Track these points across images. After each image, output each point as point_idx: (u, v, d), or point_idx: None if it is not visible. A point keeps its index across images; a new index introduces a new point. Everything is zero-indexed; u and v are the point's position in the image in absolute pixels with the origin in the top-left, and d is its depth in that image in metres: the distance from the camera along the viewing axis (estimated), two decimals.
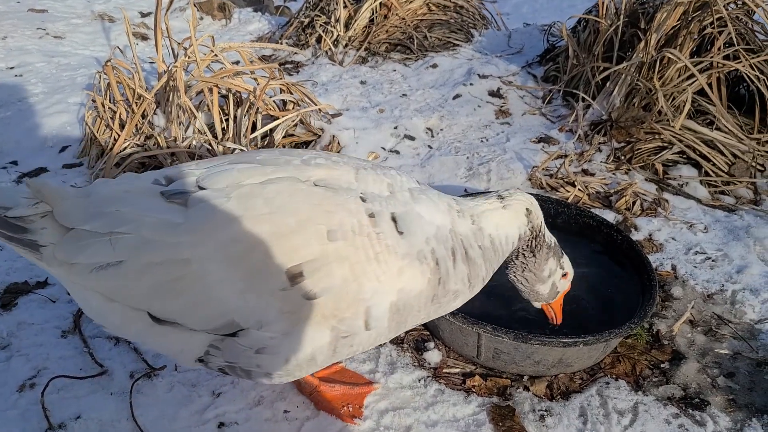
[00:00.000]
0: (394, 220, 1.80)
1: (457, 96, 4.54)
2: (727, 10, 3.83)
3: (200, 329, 1.72)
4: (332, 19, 5.54)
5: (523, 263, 2.17)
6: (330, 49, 5.43)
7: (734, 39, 3.72)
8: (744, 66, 3.68)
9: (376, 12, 5.53)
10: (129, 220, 1.69)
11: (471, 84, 4.65)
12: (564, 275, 2.27)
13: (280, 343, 1.71)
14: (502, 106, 4.46)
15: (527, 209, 2.07)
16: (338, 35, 5.48)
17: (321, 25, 5.59)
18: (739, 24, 3.93)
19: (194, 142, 3.46)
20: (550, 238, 2.19)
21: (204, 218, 1.69)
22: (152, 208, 1.72)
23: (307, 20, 5.79)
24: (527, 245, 2.12)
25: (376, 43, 5.41)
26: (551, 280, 2.24)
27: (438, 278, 1.85)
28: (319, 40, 5.57)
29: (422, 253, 1.81)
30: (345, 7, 5.52)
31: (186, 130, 3.55)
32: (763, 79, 3.68)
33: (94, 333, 2.51)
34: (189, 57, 3.57)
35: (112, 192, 1.77)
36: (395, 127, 4.13)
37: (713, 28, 3.77)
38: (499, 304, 2.63)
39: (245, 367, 1.78)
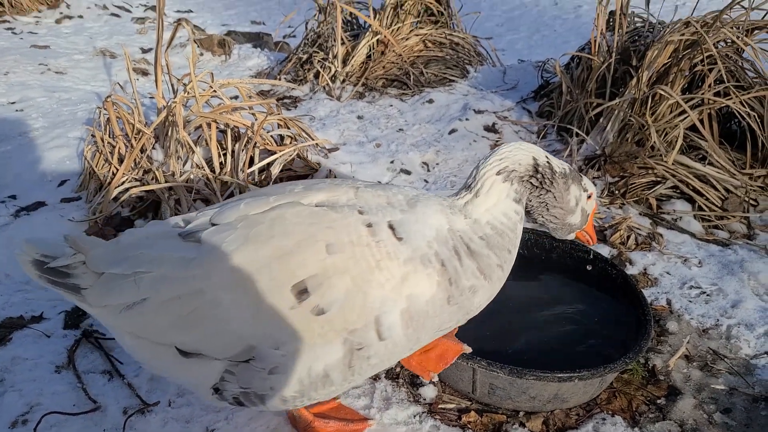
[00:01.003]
0: (391, 227, 1.83)
1: (452, 131, 4.60)
2: (716, 48, 3.91)
3: (223, 358, 1.79)
4: (330, 56, 5.64)
5: (542, 203, 2.03)
6: (328, 84, 5.51)
7: (724, 76, 3.79)
8: (735, 102, 3.74)
9: (373, 48, 5.62)
10: (150, 260, 1.83)
11: (466, 119, 4.71)
12: (589, 197, 2.15)
13: (292, 361, 1.75)
14: (497, 141, 4.52)
15: (499, 172, 1.92)
16: (336, 71, 5.56)
17: (319, 61, 5.68)
18: (729, 62, 4.00)
19: (192, 176, 3.49)
20: (560, 166, 2.03)
21: (214, 250, 1.79)
22: (171, 248, 1.85)
23: (305, 56, 5.88)
24: (532, 188, 1.99)
25: (373, 78, 5.50)
26: (579, 206, 2.12)
27: (448, 279, 1.83)
28: (317, 75, 5.65)
29: (426, 256, 1.82)
30: (343, 43, 5.62)
31: (184, 165, 3.59)
32: (754, 116, 3.73)
33: (88, 368, 2.50)
34: (188, 93, 3.62)
35: (136, 238, 1.93)
36: (391, 162, 4.17)
37: (703, 65, 3.84)
38: (495, 339, 2.63)
39: (259, 392, 1.81)
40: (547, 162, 1.98)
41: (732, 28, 3.94)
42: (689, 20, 3.88)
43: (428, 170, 4.17)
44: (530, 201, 2.03)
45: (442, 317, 1.88)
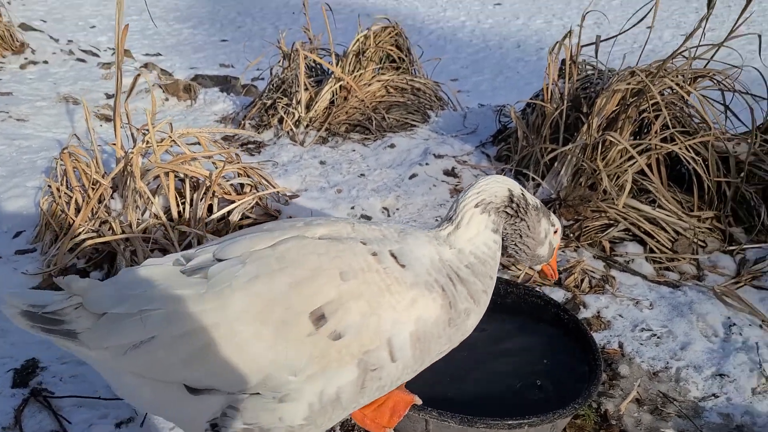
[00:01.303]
0: (393, 256, 1.97)
1: (413, 176, 4.68)
2: (662, 95, 4.08)
3: (237, 391, 1.80)
4: (294, 101, 5.72)
5: (516, 231, 2.19)
6: (291, 129, 5.58)
7: (669, 123, 3.94)
8: (680, 148, 3.88)
9: (336, 94, 5.73)
10: (156, 298, 1.84)
11: (427, 164, 4.80)
12: (555, 231, 2.33)
13: (305, 386, 1.80)
14: (456, 185, 4.60)
15: (477, 204, 2.09)
16: (299, 116, 5.64)
17: (283, 107, 5.75)
18: (675, 108, 4.17)
19: (149, 226, 3.48)
20: (533, 199, 2.22)
21: (225, 284, 1.83)
22: (177, 284, 1.87)
23: (269, 102, 5.96)
24: (507, 217, 2.15)
25: (336, 123, 5.58)
26: (548, 239, 2.30)
27: (449, 302, 1.97)
28: (281, 121, 5.72)
29: (428, 282, 1.95)
30: (306, 89, 5.71)
31: (143, 214, 3.59)
32: (699, 161, 3.88)
33: (35, 429, 2.44)
34: (147, 144, 3.64)
35: (136, 277, 1.93)
36: (352, 207, 4.22)
37: (649, 113, 3.99)
38: (450, 386, 2.64)
39: (266, 426, 1.83)
40: (522, 194, 2.17)
41: (676, 76, 4.11)
42: (634, 70, 4.05)
43: (388, 215, 4.22)
44: (505, 229, 2.19)
45: (443, 339, 2.00)
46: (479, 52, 12.37)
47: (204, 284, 1.84)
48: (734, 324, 3.16)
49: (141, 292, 1.86)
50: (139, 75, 4.09)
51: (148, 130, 3.75)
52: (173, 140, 3.78)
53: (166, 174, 3.58)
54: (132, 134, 3.96)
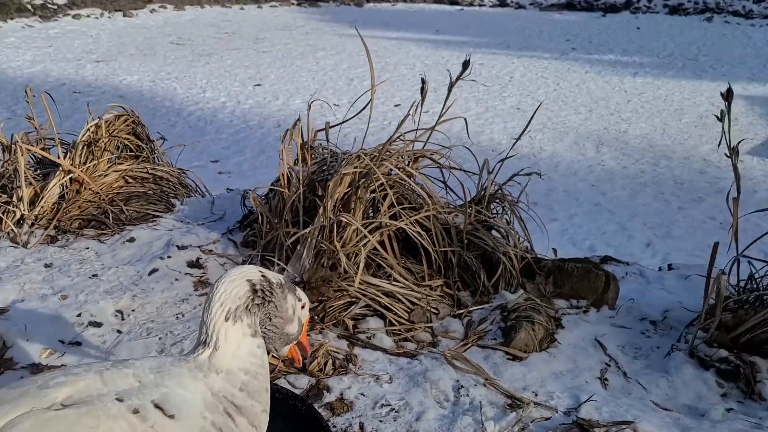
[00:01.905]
0: (158, 407, 1.71)
1: (153, 271, 4.40)
2: (390, 175, 4.38)
3: None
4: (15, 198, 5.11)
5: (266, 315, 2.07)
6: (12, 230, 4.95)
7: (395, 201, 4.23)
8: (407, 224, 4.17)
9: (67, 188, 5.25)
10: None
11: (169, 257, 4.55)
12: (303, 306, 2.25)
13: None
14: (201, 277, 4.42)
15: (227, 317, 1.91)
16: (23, 214, 5.05)
17: (1, 205, 5.10)
18: (403, 187, 4.50)
19: None
20: (276, 277, 2.10)
21: None
22: None
23: None
24: (258, 308, 2.00)
25: (67, 219, 5.09)
26: (296, 315, 2.21)
27: None
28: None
29: (205, 428, 1.75)
30: (30, 184, 5.16)
31: None
32: (424, 234, 4.20)
33: None
34: None
35: None
36: (78, 315, 3.80)
37: (377, 193, 4.26)
38: None
39: None
40: (262, 277, 2.04)
41: (399, 158, 4.46)
42: (360, 153, 4.31)
43: (122, 319, 3.88)
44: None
45: None
46: (240, 132, 12.45)
47: None
48: (462, 386, 3.38)
49: None
50: None
51: None
52: None
53: None
54: None
